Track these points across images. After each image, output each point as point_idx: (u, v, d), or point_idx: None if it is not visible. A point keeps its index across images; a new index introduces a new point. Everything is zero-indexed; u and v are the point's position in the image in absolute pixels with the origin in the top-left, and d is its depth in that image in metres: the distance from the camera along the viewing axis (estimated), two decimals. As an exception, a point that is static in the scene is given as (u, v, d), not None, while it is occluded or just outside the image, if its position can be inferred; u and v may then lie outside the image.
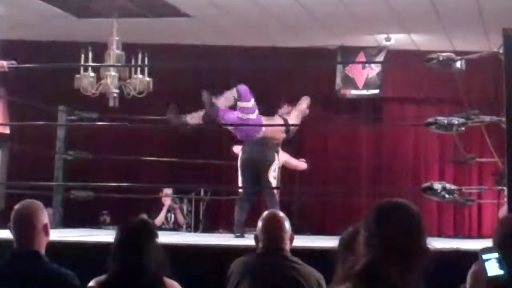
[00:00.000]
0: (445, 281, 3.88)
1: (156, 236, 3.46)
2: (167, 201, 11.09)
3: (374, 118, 12.75)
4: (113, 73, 10.05)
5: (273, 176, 7.92)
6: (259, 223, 4.12)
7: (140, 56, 9.92)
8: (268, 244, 4.05)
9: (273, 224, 4.08)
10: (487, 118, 6.58)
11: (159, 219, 10.88)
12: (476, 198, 10.16)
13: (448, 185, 5.74)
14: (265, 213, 4.21)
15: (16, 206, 3.63)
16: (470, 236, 11.69)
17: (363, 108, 12.63)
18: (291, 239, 4.12)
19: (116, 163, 11.30)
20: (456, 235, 11.79)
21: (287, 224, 4.11)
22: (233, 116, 7.77)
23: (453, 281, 3.63)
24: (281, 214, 4.21)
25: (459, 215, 12.45)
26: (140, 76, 10.14)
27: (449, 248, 5.24)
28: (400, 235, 2.22)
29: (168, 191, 11.08)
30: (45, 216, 3.61)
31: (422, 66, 7.84)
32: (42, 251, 3.56)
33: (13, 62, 6.92)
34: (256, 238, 4.13)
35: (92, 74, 10.03)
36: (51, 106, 8.95)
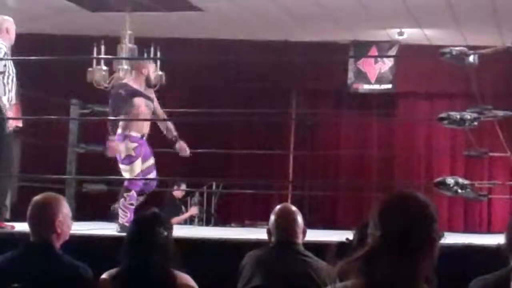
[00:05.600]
0: (458, 276, 3.87)
1: (169, 228, 3.46)
2: (178, 195, 11.12)
3: (386, 113, 12.73)
4: (126, 67, 10.06)
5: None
6: (272, 217, 4.12)
7: (152, 49, 9.93)
8: (280, 237, 4.05)
9: (286, 218, 4.08)
10: (500, 113, 6.57)
11: (179, 219, 10.89)
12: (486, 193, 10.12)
13: (461, 180, 5.72)
14: (278, 206, 4.22)
15: (35, 198, 3.64)
16: (480, 232, 11.66)
17: (376, 102, 12.61)
18: (304, 233, 4.12)
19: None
20: (466, 230, 11.76)
21: (299, 218, 4.11)
22: None
23: (466, 276, 3.63)
24: (294, 208, 4.21)
25: (470, 210, 12.42)
26: (152, 69, 10.14)
27: (461, 244, 5.23)
28: (400, 224, 2.19)
29: (182, 185, 11.12)
30: (63, 209, 3.60)
31: (435, 60, 7.84)
32: (57, 244, 3.57)
33: None
34: (268, 232, 4.13)
35: (104, 67, 10.04)
36: (64, 99, 8.97)
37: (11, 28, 6.85)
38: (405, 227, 2.17)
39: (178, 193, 11.12)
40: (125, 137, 7.07)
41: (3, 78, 6.57)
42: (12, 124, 6.65)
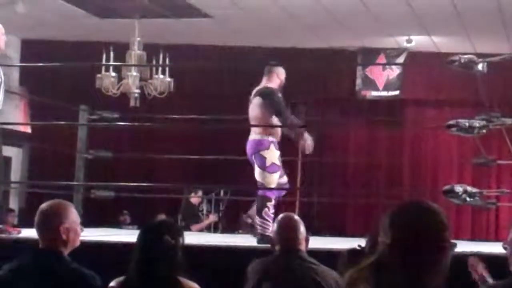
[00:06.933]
0: (467, 284, 3.87)
1: (178, 236, 3.46)
2: (195, 201, 11.15)
3: (394, 120, 12.73)
4: (134, 73, 10.08)
5: None
6: (274, 226, 4.18)
7: (161, 56, 9.95)
8: (284, 245, 4.09)
9: (288, 226, 4.13)
10: (508, 121, 6.55)
11: (199, 227, 10.89)
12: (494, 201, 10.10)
13: (469, 188, 5.71)
14: (280, 215, 4.27)
15: (42, 205, 3.64)
16: (487, 239, 11.64)
17: (383, 109, 12.62)
18: (307, 241, 4.16)
19: (137, 163, 11.34)
20: (474, 238, 11.74)
21: (301, 226, 4.15)
22: None
23: (475, 284, 3.63)
24: (296, 216, 4.26)
25: (477, 218, 12.40)
26: (161, 76, 10.17)
27: (469, 252, 5.22)
28: (410, 232, 2.18)
29: (199, 192, 11.15)
30: (70, 216, 3.60)
31: (443, 68, 7.84)
32: (65, 251, 3.57)
33: None
34: (272, 241, 4.17)
35: (113, 74, 10.06)
36: (72, 105, 8.99)
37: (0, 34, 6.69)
38: (414, 236, 2.15)
39: (195, 199, 11.15)
40: (271, 143, 6.86)
41: None
42: None
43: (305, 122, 12.83)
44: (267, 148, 6.84)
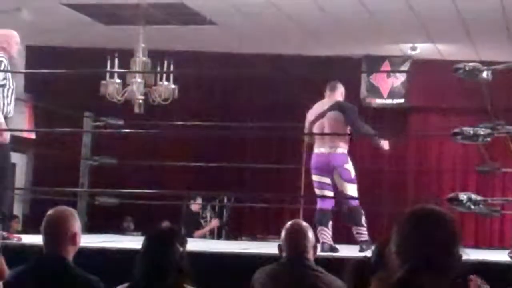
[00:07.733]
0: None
1: (182, 242, 3.45)
2: (195, 208, 11.15)
3: (398, 127, 12.72)
4: (139, 80, 10.08)
5: None
6: (283, 232, 4.14)
7: (166, 63, 9.96)
8: (291, 253, 4.06)
9: (296, 233, 4.10)
10: (513, 129, 6.53)
11: (202, 232, 10.90)
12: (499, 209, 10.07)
13: (473, 196, 5.69)
14: (289, 222, 4.23)
15: (49, 212, 3.65)
16: (491, 247, 11.61)
17: (388, 117, 12.61)
18: (315, 248, 4.13)
19: (141, 169, 11.33)
20: (477, 245, 11.72)
21: (310, 233, 4.12)
22: None
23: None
24: (304, 223, 4.23)
25: (481, 225, 12.38)
26: (166, 83, 10.17)
27: (474, 259, 5.20)
28: (435, 243, 2.16)
29: (198, 199, 11.17)
30: (76, 224, 3.60)
31: (448, 75, 7.83)
32: (69, 257, 3.57)
33: None
34: (279, 248, 4.14)
35: (118, 80, 10.06)
36: (77, 112, 9.00)
37: (12, 41, 6.71)
38: (442, 246, 2.15)
39: (195, 206, 11.15)
40: (347, 156, 7.05)
41: (3, 91, 6.50)
42: (6, 138, 6.56)
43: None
44: (347, 162, 7.04)
